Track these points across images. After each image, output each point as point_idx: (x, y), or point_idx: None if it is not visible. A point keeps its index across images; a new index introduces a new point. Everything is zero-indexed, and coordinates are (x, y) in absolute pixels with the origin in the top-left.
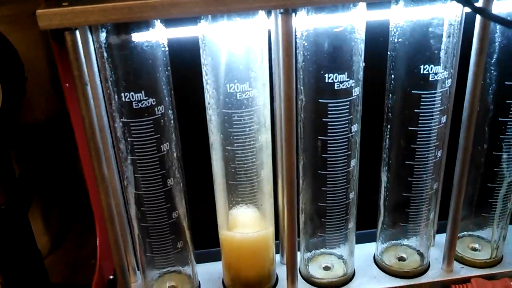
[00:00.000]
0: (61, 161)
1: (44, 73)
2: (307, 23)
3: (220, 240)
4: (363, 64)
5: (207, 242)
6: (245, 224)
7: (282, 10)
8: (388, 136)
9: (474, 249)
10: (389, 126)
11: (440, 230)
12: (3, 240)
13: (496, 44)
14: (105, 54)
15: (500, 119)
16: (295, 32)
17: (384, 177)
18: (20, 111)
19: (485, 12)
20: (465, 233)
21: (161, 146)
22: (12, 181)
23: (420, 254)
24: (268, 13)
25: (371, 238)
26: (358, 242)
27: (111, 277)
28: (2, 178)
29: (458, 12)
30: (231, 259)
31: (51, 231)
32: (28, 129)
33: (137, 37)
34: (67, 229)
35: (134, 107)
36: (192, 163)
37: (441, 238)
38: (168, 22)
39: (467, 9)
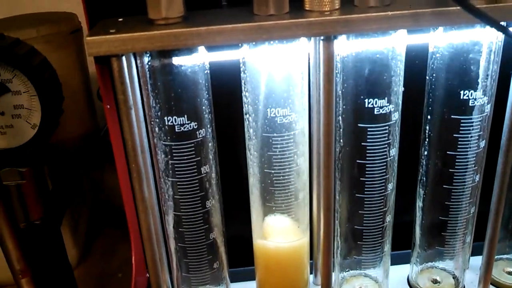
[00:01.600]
0: (90, 175)
1: (78, 91)
2: (347, 48)
3: (254, 251)
4: (403, 88)
5: (242, 260)
6: (280, 233)
7: (323, 37)
8: (425, 160)
9: (510, 273)
10: (426, 149)
11: (475, 252)
12: (38, 255)
13: None
14: (148, 78)
15: None
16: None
17: (420, 200)
18: None
19: None
20: (500, 256)
21: (201, 168)
22: (47, 196)
23: (455, 278)
24: (309, 37)
25: (405, 259)
26: (392, 263)
27: None
28: (39, 194)
29: (499, 37)
30: (264, 272)
31: (79, 244)
32: (61, 145)
33: (180, 61)
34: (94, 241)
35: (177, 130)
36: (229, 183)
37: (476, 260)
38: (211, 46)
39: None
